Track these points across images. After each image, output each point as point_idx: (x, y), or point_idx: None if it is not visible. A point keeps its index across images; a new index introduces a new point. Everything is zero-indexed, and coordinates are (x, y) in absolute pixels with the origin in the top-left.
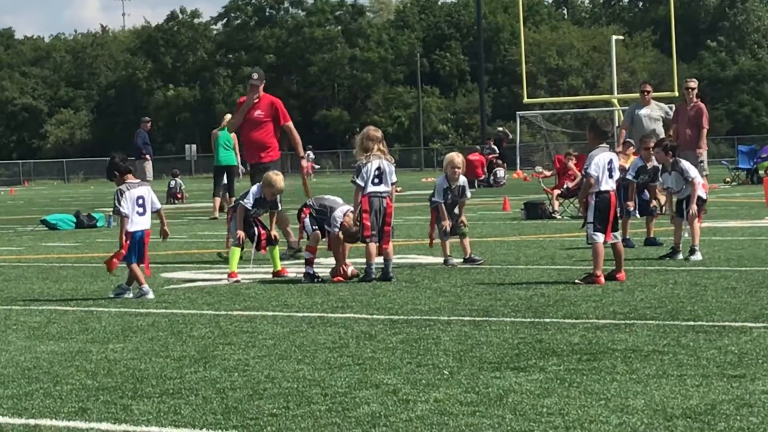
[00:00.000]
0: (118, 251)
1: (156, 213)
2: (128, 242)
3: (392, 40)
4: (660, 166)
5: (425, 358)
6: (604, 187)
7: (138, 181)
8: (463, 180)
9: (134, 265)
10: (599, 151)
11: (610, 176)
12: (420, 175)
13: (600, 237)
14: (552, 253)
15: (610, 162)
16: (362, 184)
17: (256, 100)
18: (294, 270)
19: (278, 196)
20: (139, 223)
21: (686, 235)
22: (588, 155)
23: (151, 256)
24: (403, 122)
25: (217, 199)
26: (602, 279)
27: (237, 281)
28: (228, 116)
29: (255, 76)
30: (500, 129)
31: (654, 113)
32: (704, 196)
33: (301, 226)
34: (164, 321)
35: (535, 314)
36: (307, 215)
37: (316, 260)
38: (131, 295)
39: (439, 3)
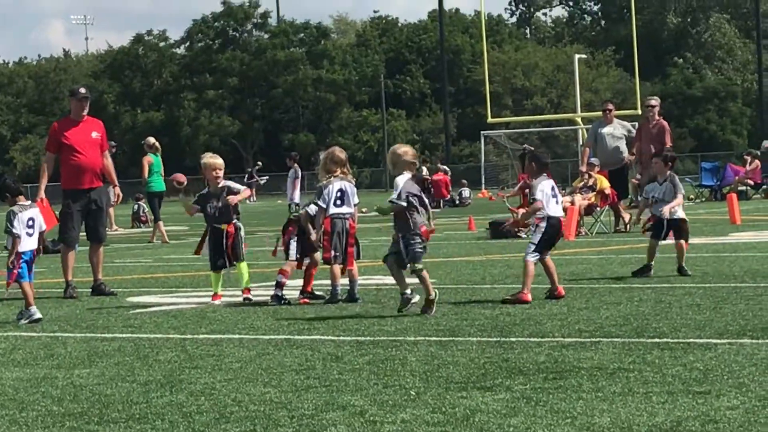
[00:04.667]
0: (11, 272)
1: (40, 234)
2: (20, 262)
3: (356, 62)
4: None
5: (392, 379)
6: (553, 212)
7: (29, 202)
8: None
9: (26, 284)
10: (542, 179)
11: (556, 202)
12: (388, 196)
13: (534, 257)
14: (517, 272)
15: (553, 188)
16: (324, 205)
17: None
18: (260, 292)
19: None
20: (29, 243)
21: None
22: (532, 184)
23: (118, 281)
24: (372, 146)
25: (161, 223)
26: (529, 296)
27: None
28: (152, 139)
29: (83, 90)
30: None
31: (617, 131)
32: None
33: (285, 245)
34: (130, 346)
35: (501, 333)
36: (292, 237)
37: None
38: (39, 315)
39: (399, 26)
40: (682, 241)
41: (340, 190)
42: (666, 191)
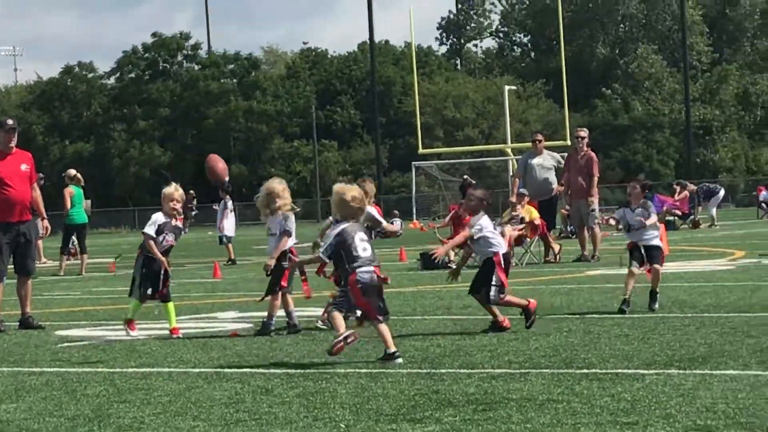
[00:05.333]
0: None
1: None
2: None
3: (288, 93)
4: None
5: (322, 412)
6: (504, 249)
7: None
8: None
9: None
10: (482, 215)
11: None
12: (318, 227)
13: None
14: (448, 303)
15: (493, 223)
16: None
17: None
18: (190, 325)
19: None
20: None
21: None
22: (472, 220)
23: (46, 314)
24: (305, 176)
25: (85, 256)
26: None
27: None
28: (72, 171)
29: (11, 121)
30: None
31: (546, 162)
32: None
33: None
34: (58, 380)
35: (431, 365)
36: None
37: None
38: None
39: (329, 57)
40: (657, 265)
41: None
42: (640, 218)
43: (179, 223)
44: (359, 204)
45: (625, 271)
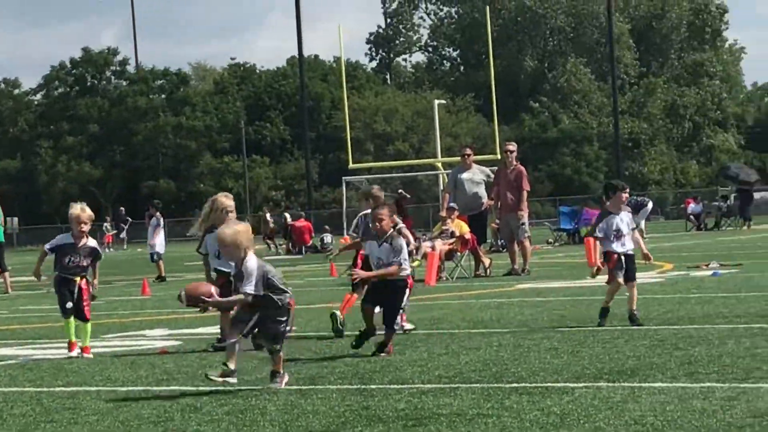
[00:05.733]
0: None
1: None
2: None
3: (217, 109)
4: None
5: (251, 429)
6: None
7: None
8: None
9: None
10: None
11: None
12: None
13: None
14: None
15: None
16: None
17: None
18: (116, 343)
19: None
20: None
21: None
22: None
23: None
24: (238, 193)
25: (7, 274)
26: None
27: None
28: None
29: None
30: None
31: (476, 177)
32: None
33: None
34: None
35: (361, 381)
36: None
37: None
38: None
39: (258, 72)
40: (634, 282)
41: None
42: (627, 222)
43: (92, 244)
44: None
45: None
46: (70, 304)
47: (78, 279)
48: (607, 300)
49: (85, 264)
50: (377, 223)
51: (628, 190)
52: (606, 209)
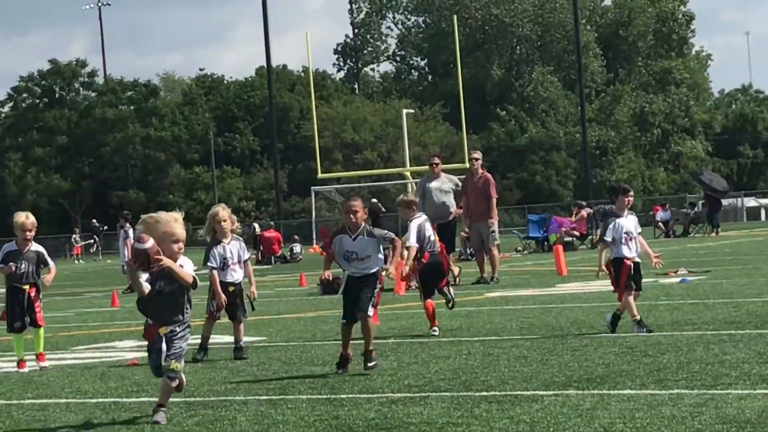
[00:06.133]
0: None
1: None
2: None
3: (186, 119)
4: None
5: None
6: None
7: None
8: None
9: None
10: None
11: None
12: None
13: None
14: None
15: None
16: (215, 264)
17: None
18: (87, 355)
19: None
20: None
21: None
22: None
23: None
24: (209, 204)
25: None
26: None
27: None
28: None
29: None
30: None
31: (444, 185)
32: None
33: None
34: None
35: (331, 390)
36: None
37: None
38: None
39: (226, 83)
40: (638, 292)
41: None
42: (635, 224)
43: (36, 248)
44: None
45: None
46: (18, 324)
47: (27, 287)
48: (633, 312)
49: (32, 270)
50: (351, 216)
51: (631, 193)
52: (613, 213)
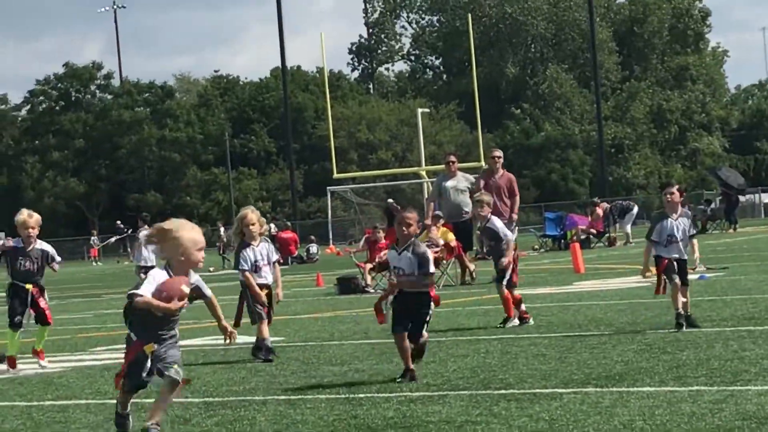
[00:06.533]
0: None
1: None
2: None
3: (201, 120)
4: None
5: None
6: None
7: None
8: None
9: None
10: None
11: None
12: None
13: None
14: (365, 328)
15: None
16: (247, 267)
17: None
18: (105, 356)
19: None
20: None
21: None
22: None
23: None
24: (227, 205)
25: None
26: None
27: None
28: None
29: None
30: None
31: (460, 184)
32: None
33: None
34: None
35: (350, 390)
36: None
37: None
38: None
39: (241, 84)
40: (685, 288)
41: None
42: (684, 228)
43: (43, 247)
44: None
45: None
46: (18, 318)
47: (29, 286)
48: (675, 305)
49: (36, 269)
50: (404, 228)
51: (674, 189)
52: (663, 212)
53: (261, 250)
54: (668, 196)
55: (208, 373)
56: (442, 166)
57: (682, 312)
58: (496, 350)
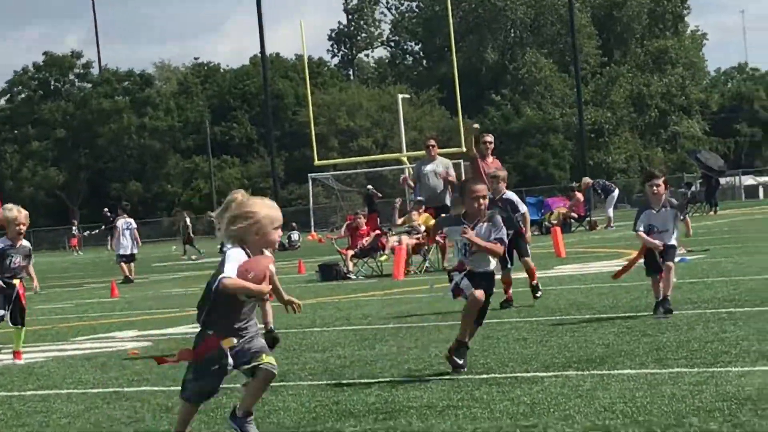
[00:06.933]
0: None
1: None
2: None
3: (181, 108)
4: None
5: (223, 428)
6: None
7: None
8: None
9: None
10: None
11: None
12: (217, 242)
13: None
14: (347, 314)
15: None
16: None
17: None
18: (86, 346)
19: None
20: None
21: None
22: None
23: None
24: (208, 193)
25: None
26: None
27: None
28: None
29: None
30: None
31: (439, 168)
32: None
33: None
34: None
35: (331, 376)
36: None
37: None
38: None
39: (222, 72)
40: (670, 262)
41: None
42: (667, 219)
43: (27, 244)
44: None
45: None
46: (1, 312)
47: (17, 281)
48: (656, 293)
49: (24, 264)
50: (476, 202)
51: (659, 181)
52: (644, 203)
53: None
54: (654, 188)
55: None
56: (423, 152)
57: (662, 297)
58: (478, 334)
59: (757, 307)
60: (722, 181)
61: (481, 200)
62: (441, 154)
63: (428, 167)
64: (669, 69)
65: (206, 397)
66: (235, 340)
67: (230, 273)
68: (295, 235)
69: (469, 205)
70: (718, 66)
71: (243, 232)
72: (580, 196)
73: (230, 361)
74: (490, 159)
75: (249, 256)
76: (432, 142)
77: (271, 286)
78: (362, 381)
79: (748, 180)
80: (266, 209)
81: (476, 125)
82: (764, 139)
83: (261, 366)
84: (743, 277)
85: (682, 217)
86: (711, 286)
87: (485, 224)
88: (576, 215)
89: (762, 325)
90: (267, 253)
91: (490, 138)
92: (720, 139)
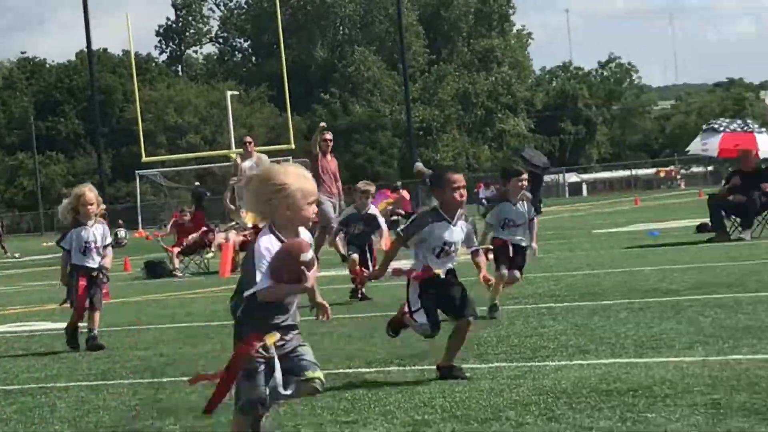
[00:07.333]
0: None
1: None
2: None
3: (5, 104)
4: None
5: (40, 427)
6: None
7: None
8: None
9: None
10: None
11: None
12: (41, 240)
13: None
14: (172, 312)
15: None
16: (67, 247)
17: None
18: None
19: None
20: None
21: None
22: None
23: None
24: (33, 191)
25: None
26: None
27: None
28: None
29: None
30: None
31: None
32: None
33: None
34: None
35: (153, 374)
36: None
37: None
38: None
39: (48, 66)
40: (517, 273)
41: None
42: (521, 213)
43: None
44: None
45: None
46: None
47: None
48: (494, 296)
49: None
50: (457, 194)
51: (524, 174)
52: (503, 196)
53: (95, 231)
54: (522, 182)
55: (8, 360)
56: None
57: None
58: (302, 331)
59: (576, 302)
60: (546, 178)
61: (462, 190)
62: (270, 152)
63: (246, 163)
64: (495, 68)
65: (259, 406)
66: (278, 335)
67: (263, 285)
68: (122, 233)
69: (449, 196)
70: (543, 65)
71: (271, 209)
72: (405, 193)
73: (277, 365)
74: (329, 156)
75: (281, 241)
76: (248, 138)
77: (315, 273)
78: (184, 379)
79: (572, 177)
80: (300, 180)
81: (323, 124)
82: (588, 137)
83: (311, 384)
84: (564, 272)
85: (534, 214)
86: (532, 282)
87: (464, 223)
88: (402, 212)
89: (580, 320)
90: (303, 232)
91: (329, 136)
92: (545, 137)
